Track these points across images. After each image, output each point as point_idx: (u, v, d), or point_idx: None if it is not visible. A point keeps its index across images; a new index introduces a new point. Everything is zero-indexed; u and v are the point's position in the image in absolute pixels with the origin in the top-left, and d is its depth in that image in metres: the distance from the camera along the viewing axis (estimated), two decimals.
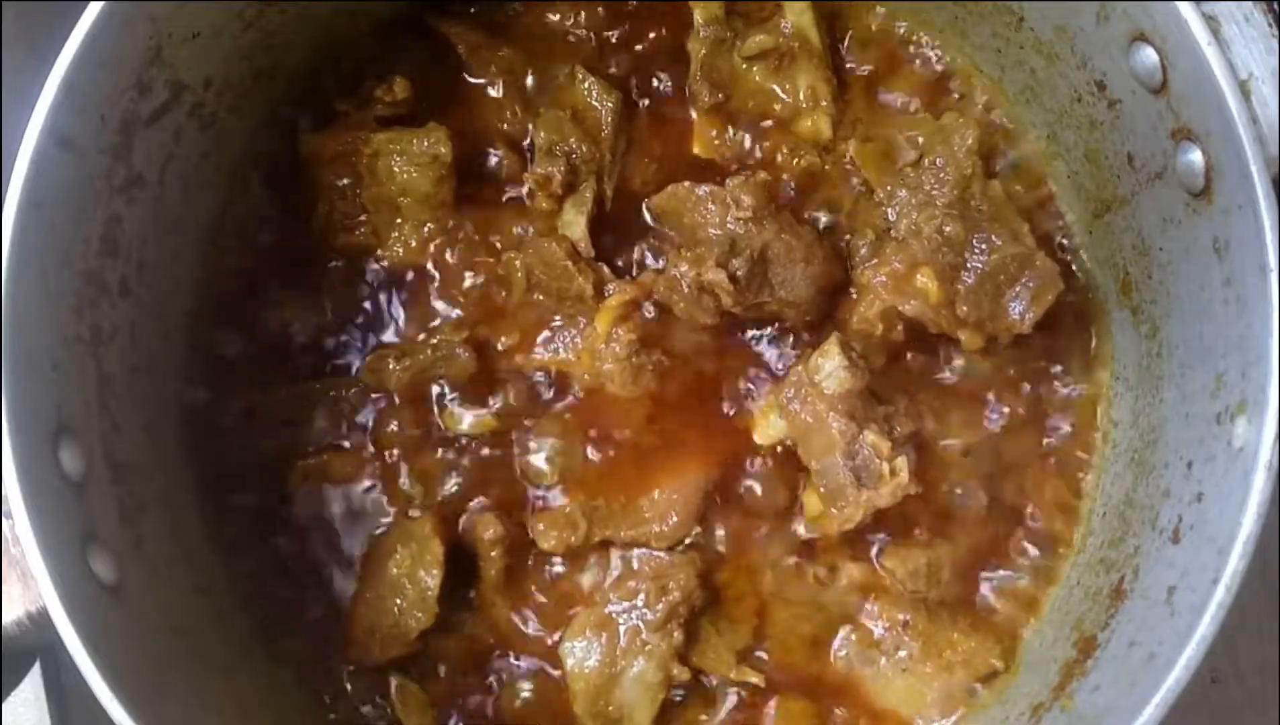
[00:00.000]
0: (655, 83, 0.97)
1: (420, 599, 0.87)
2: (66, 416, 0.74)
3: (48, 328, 0.74)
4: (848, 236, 0.93)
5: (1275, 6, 0.74)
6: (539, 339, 0.93)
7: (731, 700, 0.90)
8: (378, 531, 0.91)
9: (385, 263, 0.94)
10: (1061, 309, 0.90)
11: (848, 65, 0.97)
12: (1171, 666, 0.70)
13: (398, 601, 0.87)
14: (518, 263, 0.92)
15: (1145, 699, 0.71)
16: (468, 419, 0.92)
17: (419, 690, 0.89)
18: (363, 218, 0.94)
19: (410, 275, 0.94)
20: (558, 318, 0.93)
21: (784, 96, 0.96)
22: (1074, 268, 0.94)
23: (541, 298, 0.92)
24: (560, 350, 0.92)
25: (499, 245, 0.94)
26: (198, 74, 0.83)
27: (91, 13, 0.72)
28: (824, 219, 0.94)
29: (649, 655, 0.87)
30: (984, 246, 0.87)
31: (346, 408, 0.92)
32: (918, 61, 0.97)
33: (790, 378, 0.89)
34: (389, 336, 0.94)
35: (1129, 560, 0.84)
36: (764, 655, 0.90)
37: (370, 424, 0.92)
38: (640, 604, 0.87)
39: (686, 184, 0.90)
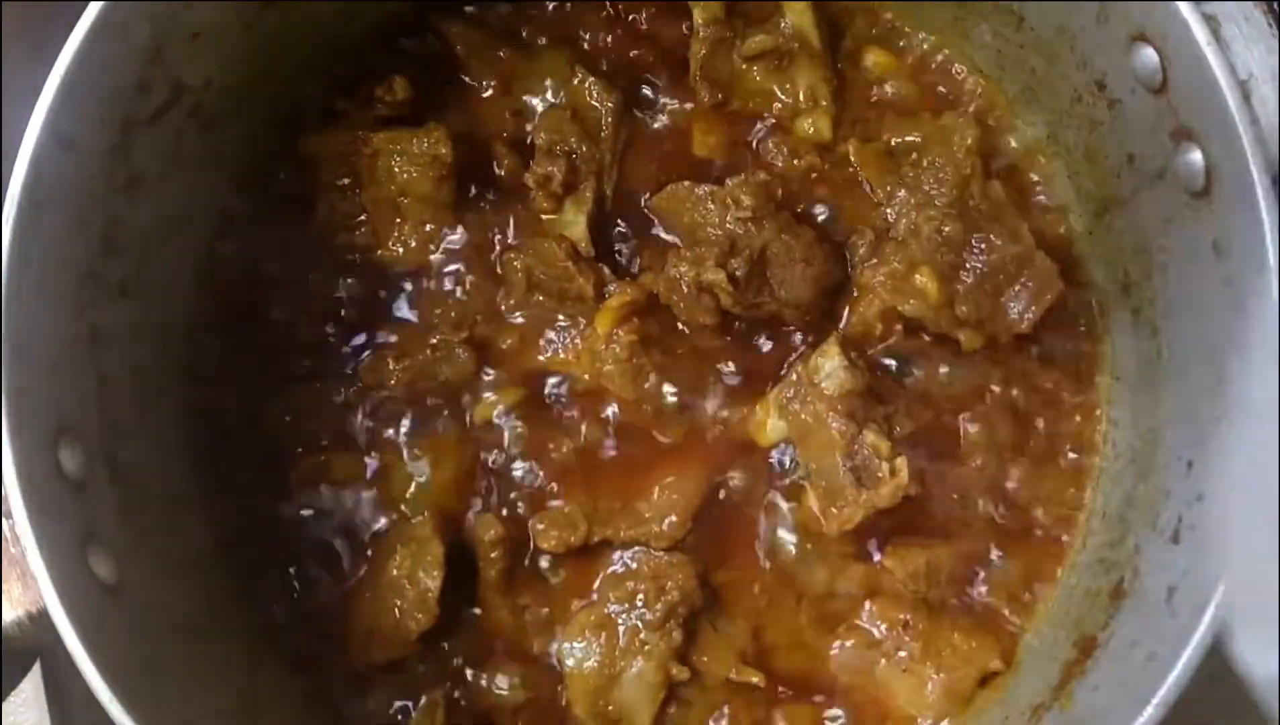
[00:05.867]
0: (655, 82, 0.97)
1: (420, 600, 0.87)
2: (66, 416, 0.74)
3: (48, 328, 0.74)
4: (848, 236, 0.93)
5: (1275, 6, 0.74)
6: (539, 340, 0.93)
7: (732, 700, 0.90)
8: (378, 532, 0.91)
9: (385, 263, 0.94)
10: (1061, 309, 0.90)
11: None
12: (1171, 666, 0.70)
13: (398, 602, 0.87)
14: (518, 263, 0.92)
15: (1145, 699, 0.71)
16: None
17: None
18: (363, 218, 0.94)
19: (410, 275, 0.94)
20: (558, 318, 0.93)
21: (784, 97, 0.96)
22: (1074, 267, 0.94)
23: (541, 298, 0.92)
24: (560, 351, 0.92)
25: (499, 245, 0.94)
26: (198, 74, 0.83)
27: (91, 13, 0.72)
28: (824, 219, 0.94)
29: (648, 655, 0.87)
30: (983, 246, 0.87)
31: (346, 408, 0.92)
32: (918, 61, 0.97)
33: (790, 378, 0.89)
34: (388, 337, 0.94)
35: (1129, 560, 0.84)
36: (764, 655, 0.90)
37: (370, 424, 0.92)
38: (639, 604, 0.87)
39: (686, 184, 0.90)
